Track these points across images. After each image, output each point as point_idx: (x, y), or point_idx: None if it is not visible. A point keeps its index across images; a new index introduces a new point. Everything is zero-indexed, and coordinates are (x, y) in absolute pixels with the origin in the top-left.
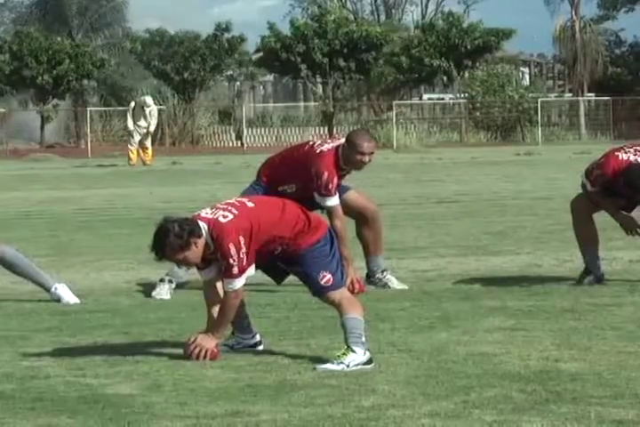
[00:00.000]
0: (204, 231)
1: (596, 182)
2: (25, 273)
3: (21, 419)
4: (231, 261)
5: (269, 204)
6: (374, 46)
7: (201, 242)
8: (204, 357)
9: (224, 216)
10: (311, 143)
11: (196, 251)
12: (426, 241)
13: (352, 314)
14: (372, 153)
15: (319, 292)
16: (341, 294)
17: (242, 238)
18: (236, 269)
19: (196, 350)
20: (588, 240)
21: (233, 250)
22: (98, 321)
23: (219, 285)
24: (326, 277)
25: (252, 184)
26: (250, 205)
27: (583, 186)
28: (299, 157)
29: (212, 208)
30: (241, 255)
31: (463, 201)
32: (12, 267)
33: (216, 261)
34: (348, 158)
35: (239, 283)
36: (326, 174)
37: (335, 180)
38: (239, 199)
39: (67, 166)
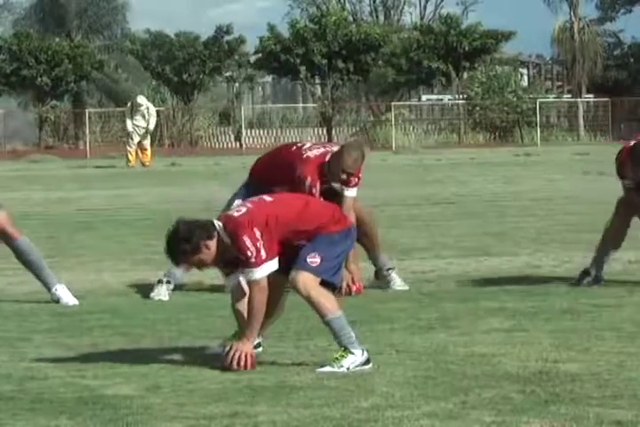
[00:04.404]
0: (219, 230)
1: (621, 172)
2: (34, 266)
3: (20, 420)
4: (248, 253)
5: (290, 199)
6: (373, 47)
7: (212, 243)
8: (245, 362)
9: (237, 211)
10: (299, 145)
11: (209, 253)
12: (425, 242)
13: (330, 315)
14: (352, 174)
15: (298, 265)
16: (315, 285)
17: (257, 230)
18: (253, 260)
19: (237, 355)
20: (611, 240)
21: (249, 242)
22: (96, 322)
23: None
24: (316, 259)
25: (244, 184)
26: (267, 199)
27: (623, 186)
28: (286, 156)
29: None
30: (258, 246)
31: (462, 202)
32: (23, 257)
33: (241, 264)
34: (332, 167)
35: (258, 273)
36: (309, 180)
37: (318, 185)
38: (260, 196)
39: (65, 167)
